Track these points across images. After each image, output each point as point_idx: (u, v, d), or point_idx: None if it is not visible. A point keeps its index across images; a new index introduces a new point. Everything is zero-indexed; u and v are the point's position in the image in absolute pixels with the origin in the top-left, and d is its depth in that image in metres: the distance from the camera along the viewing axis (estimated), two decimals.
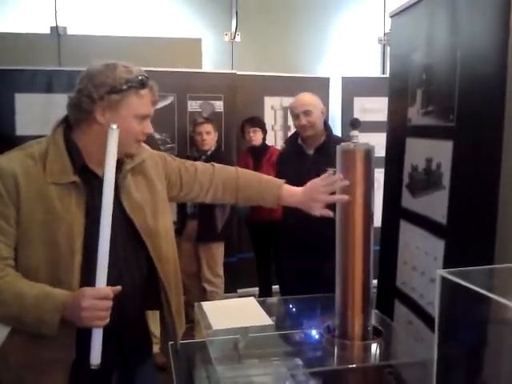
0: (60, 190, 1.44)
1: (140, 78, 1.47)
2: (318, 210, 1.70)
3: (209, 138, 4.10)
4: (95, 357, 1.37)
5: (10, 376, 1.49)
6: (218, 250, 4.22)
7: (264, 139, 4.43)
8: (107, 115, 1.46)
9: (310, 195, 1.71)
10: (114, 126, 1.41)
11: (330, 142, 2.96)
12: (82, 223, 1.45)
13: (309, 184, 1.73)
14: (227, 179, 1.80)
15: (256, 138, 4.34)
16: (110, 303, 1.37)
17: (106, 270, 1.37)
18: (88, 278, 1.42)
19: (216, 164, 1.86)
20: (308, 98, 3.13)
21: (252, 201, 1.86)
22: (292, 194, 1.77)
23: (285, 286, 3.37)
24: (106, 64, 1.47)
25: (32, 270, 1.42)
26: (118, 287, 1.39)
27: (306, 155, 3.08)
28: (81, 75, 1.49)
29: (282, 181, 1.82)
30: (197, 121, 4.27)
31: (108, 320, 1.37)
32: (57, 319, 1.37)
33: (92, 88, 1.44)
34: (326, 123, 3.19)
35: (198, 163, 1.83)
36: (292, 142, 3.27)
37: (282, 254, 3.42)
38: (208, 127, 4.12)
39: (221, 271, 4.26)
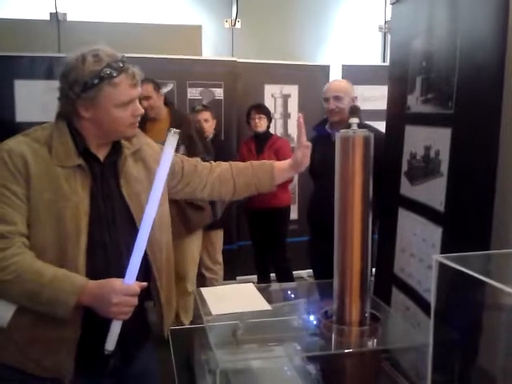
0: (66, 172, 1.47)
1: (112, 64, 1.44)
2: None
3: (207, 125, 4.10)
4: (111, 344, 1.44)
5: (15, 353, 1.50)
6: (218, 237, 4.24)
7: (268, 127, 4.43)
8: (90, 110, 1.47)
9: (297, 167, 1.81)
10: (173, 131, 1.43)
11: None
12: (87, 204, 1.48)
13: (293, 160, 1.80)
14: (222, 171, 1.82)
15: (261, 124, 4.34)
16: (136, 300, 1.42)
17: (138, 266, 1.41)
18: (93, 258, 1.47)
19: (212, 162, 1.88)
20: (340, 84, 3.22)
21: (249, 187, 1.86)
22: (282, 168, 1.83)
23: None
24: (75, 57, 1.45)
25: (40, 249, 1.44)
26: (145, 283, 1.45)
27: (331, 141, 3.10)
28: (60, 72, 1.48)
29: (272, 161, 1.86)
30: (195, 108, 4.27)
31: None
32: (73, 301, 1.39)
33: (67, 89, 1.45)
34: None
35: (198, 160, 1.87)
36: (320, 128, 3.33)
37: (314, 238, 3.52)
38: (206, 115, 4.12)
39: (220, 258, 4.29)
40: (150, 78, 3.59)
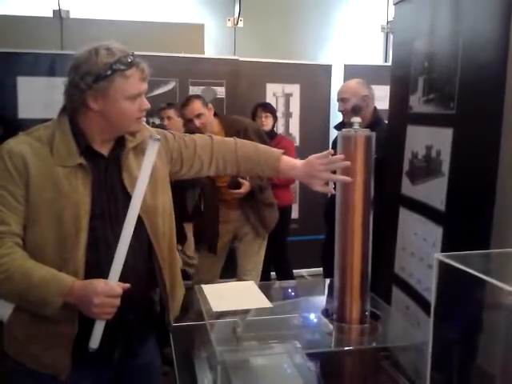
0: (67, 171, 1.47)
1: (123, 59, 1.47)
2: (318, 187, 1.69)
3: (169, 123, 4.08)
4: (95, 342, 1.45)
5: (17, 348, 1.54)
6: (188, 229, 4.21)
7: (273, 126, 4.43)
8: (99, 102, 1.48)
9: (309, 170, 1.69)
10: (157, 137, 1.46)
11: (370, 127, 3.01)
12: (88, 202, 1.48)
13: (308, 158, 1.71)
14: (227, 153, 1.79)
15: (267, 123, 4.34)
16: (118, 301, 1.42)
17: (121, 268, 1.42)
18: (92, 256, 1.48)
19: (214, 136, 1.84)
20: (346, 86, 3.22)
21: (252, 173, 1.86)
22: (292, 167, 1.75)
23: None
24: (88, 50, 1.47)
25: (39, 247, 1.46)
26: (127, 284, 1.44)
27: None
28: (69, 65, 1.49)
29: (280, 152, 1.79)
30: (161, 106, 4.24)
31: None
32: (59, 302, 1.40)
33: (78, 79, 1.46)
34: (375, 110, 3.18)
35: (197, 136, 1.82)
36: (339, 127, 3.33)
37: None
38: (170, 112, 4.10)
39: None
40: (196, 94, 3.53)
